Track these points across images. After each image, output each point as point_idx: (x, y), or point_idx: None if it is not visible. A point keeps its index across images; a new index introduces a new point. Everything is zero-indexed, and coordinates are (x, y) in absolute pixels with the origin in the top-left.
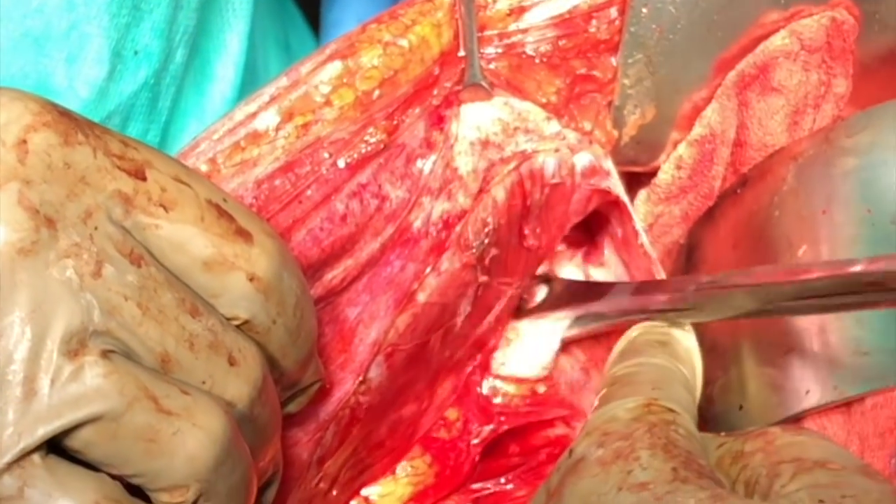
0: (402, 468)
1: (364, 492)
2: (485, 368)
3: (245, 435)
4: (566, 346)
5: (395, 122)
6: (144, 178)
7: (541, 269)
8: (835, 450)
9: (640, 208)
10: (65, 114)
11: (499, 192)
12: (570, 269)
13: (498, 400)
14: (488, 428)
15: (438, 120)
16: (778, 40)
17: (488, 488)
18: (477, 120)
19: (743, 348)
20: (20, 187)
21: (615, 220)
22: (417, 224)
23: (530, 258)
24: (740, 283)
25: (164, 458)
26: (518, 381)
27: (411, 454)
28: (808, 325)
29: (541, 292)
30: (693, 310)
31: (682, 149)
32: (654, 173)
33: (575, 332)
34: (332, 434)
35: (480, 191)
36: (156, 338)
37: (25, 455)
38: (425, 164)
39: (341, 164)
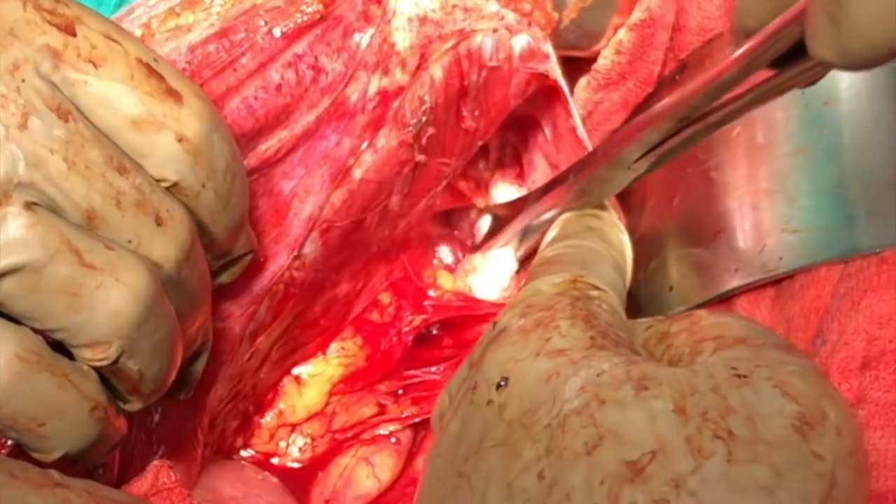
0: (334, 349)
1: (295, 371)
2: (421, 260)
3: (172, 299)
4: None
5: None
6: (74, 34)
7: (481, 204)
8: (758, 329)
9: (580, 95)
10: None
11: (436, 71)
12: (508, 189)
13: (431, 293)
14: (420, 317)
15: None
16: None
17: (419, 376)
18: None
19: (673, 232)
20: None
21: (547, 119)
22: (353, 98)
23: (468, 140)
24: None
25: (86, 313)
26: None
27: (343, 335)
28: (740, 205)
29: (484, 225)
30: (589, 192)
31: (622, 33)
32: (594, 61)
33: (524, 249)
34: (265, 309)
35: (418, 68)
36: (81, 193)
37: None
38: (362, 38)
39: (277, 33)
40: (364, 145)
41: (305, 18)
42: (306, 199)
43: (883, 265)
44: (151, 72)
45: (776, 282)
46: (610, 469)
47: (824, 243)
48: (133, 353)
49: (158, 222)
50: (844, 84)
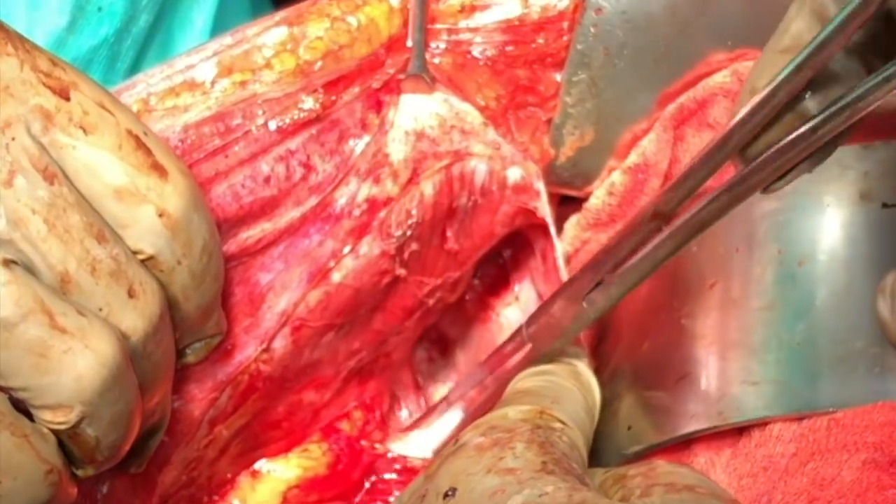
0: (297, 450)
1: (255, 465)
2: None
3: (136, 371)
4: None
5: (332, 98)
6: (68, 99)
7: None
8: (708, 482)
9: (569, 233)
10: None
11: (427, 187)
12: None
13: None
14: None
15: (377, 104)
16: (719, 77)
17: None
18: (415, 111)
19: (639, 374)
20: None
21: (538, 249)
22: (341, 202)
23: (449, 262)
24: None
25: (52, 375)
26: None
27: (310, 438)
28: (706, 353)
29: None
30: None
31: (615, 175)
32: (586, 200)
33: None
34: (227, 397)
35: (409, 181)
36: (58, 256)
37: None
38: (357, 145)
39: (272, 126)
40: (346, 250)
41: (303, 115)
42: (282, 294)
43: (833, 427)
44: (140, 144)
45: (734, 441)
46: None
47: (782, 398)
48: (93, 421)
49: (131, 294)
50: (821, 246)
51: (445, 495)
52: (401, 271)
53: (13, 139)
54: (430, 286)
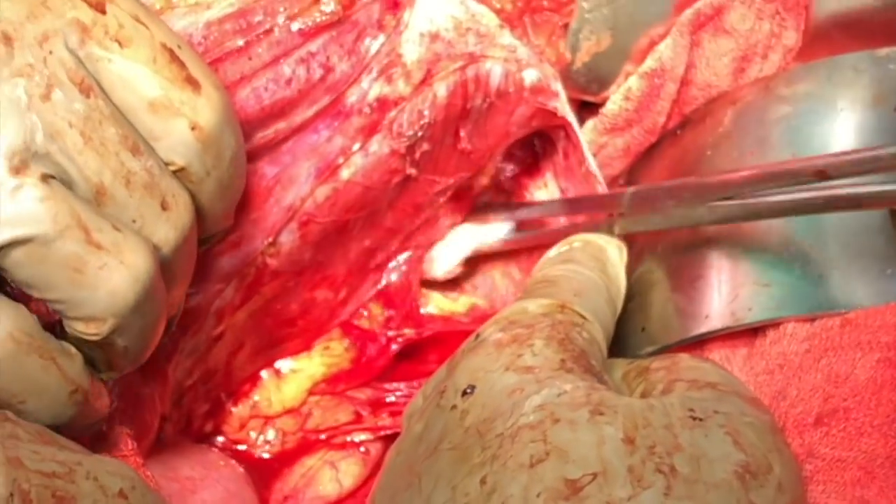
0: (318, 348)
1: (277, 364)
2: (415, 273)
3: (163, 278)
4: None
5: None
6: (104, 12)
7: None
8: (731, 378)
9: (586, 137)
10: None
11: (440, 89)
12: None
13: (422, 310)
14: (409, 330)
15: (394, 4)
16: None
17: (400, 389)
18: (431, 12)
19: (654, 275)
20: None
21: (560, 146)
22: (352, 100)
23: (462, 162)
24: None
25: (88, 290)
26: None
27: (330, 335)
28: (720, 255)
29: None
30: (627, 215)
31: (632, 80)
32: (602, 105)
33: (508, 240)
34: (233, 289)
35: (422, 82)
36: (94, 168)
37: None
38: (373, 44)
39: (294, 28)
40: (356, 147)
41: (325, 18)
42: (289, 188)
43: (846, 326)
44: (174, 58)
45: (749, 340)
46: (549, 484)
47: (793, 299)
48: (124, 332)
49: (164, 206)
50: (834, 149)
51: (464, 392)
52: (411, 171)
53: (50, 53)
54: (442, 185)
